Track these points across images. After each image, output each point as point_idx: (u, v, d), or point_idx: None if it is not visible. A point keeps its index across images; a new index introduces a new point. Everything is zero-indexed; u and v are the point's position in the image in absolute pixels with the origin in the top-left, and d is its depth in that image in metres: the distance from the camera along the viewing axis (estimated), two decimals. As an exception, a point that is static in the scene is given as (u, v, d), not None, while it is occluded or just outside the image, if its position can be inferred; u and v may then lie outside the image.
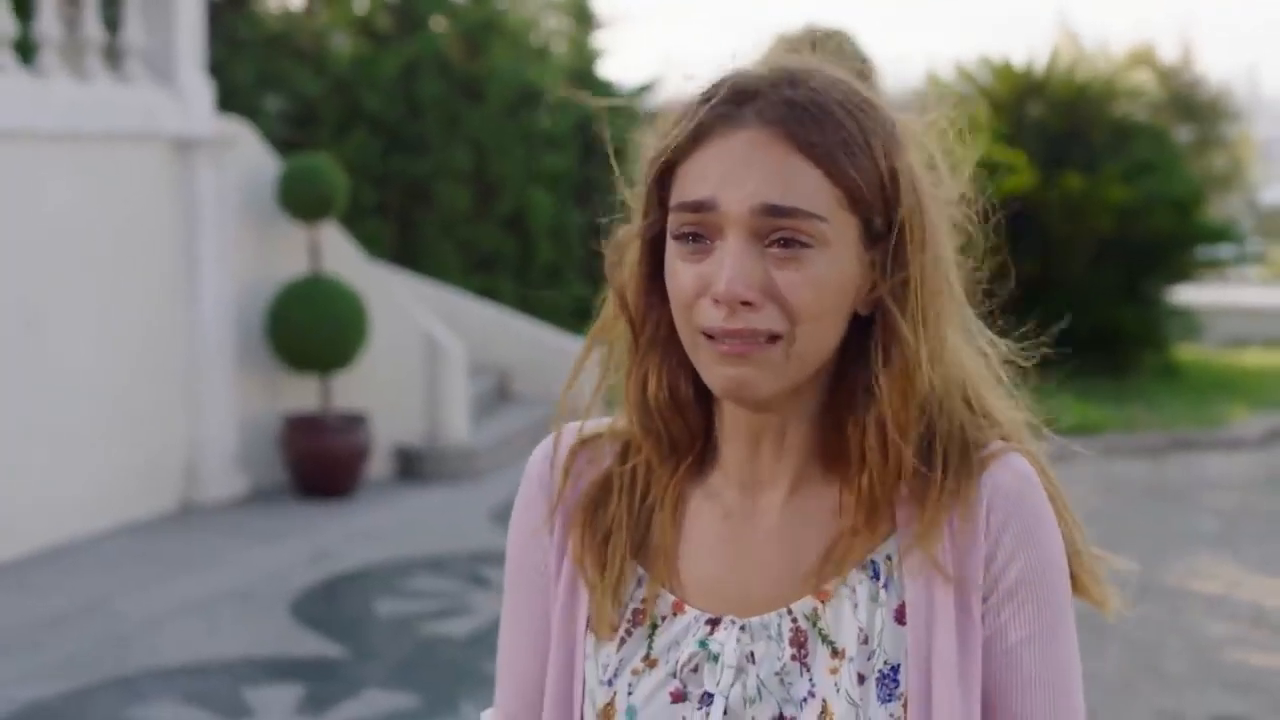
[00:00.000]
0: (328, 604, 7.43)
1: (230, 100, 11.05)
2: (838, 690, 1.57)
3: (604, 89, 16.45)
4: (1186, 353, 15.67)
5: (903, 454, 1.56)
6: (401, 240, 13.90)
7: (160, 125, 8.86)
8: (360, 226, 12.46)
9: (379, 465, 9.98)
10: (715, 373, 1.55)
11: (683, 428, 1.62)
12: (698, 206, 1.53)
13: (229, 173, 9.32)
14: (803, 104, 1.53)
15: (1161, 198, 14.33)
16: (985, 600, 1.58)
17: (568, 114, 15.28)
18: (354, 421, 9.56)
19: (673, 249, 1.56)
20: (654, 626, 1.64)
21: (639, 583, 1.66)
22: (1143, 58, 21.31)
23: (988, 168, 1.71)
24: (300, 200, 9.44)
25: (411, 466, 10.13)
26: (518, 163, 14.58)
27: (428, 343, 10.26)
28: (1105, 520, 1.82)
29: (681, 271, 1.55)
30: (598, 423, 1.72)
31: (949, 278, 1.60)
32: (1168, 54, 22.04)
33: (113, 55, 9.09)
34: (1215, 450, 11.96)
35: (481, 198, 14.42)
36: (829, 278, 1.52)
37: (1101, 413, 11.99)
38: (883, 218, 1.55)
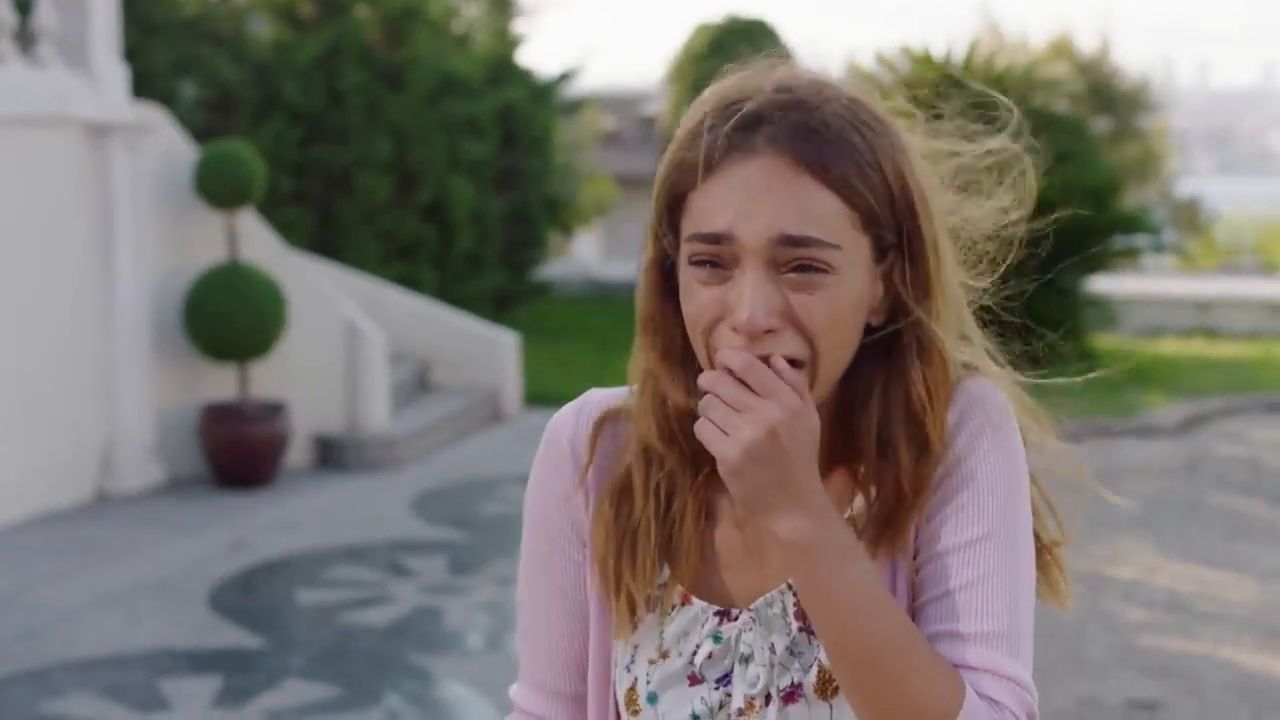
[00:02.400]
0: (246, 594, 7.37)
1: (145, 86, 10.93)
2: (819, 642, 1.62)
3: (524, 77, 16.40)
4: (1103, 342, 15.80)
5: (937, 444, 1.61)
6: (321, 229, 13.80)
7: (74, 110, 8.74)
8: (279, 215, 12.36)
9: (298, 454, 9.91)
10: None
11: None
12: (715, 238, 1.54)
13: (145, 159, 9.21)
14: (813, 127, 1.54)
15: (1078, 187, 14.43)
16: (928, 504, 1.62)
17: (488, 102, 15.22)
18: (273, 410, 9.48)
19: (688, 274, 1.58)
20: (664, 616, 1.68)
21: (659, 573, 1.70)
22: (1061, 49, 21.46)
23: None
24: (217, 188, 9.35)
25: (331, 456, 10.06)
26: (438, 151, 14.51)
27: (347, 331, 10.19)
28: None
29: (698, 295, 1.57)
30: (620, 394, 1.74)
31: (952, 277, 1.65)
32: (1086, 46, 22.21)
33: (25, 39, 8.97)
34: (1132, 438, 12.06)
35: (401, 186, 14.34)
36: (844, 299, 1.55)
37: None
38: (893, 232, 1.58)
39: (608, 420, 1.74)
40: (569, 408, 1.78)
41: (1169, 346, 17.10)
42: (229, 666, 6.34)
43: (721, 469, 1.51)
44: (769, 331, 1.53)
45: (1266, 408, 13.74)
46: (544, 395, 11.96)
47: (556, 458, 1.76)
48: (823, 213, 1.53)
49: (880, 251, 1.59)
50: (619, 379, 1.78)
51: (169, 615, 7.01)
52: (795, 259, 1.53)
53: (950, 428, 1.62)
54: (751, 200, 1.53)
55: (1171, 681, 6.37)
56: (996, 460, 1.62)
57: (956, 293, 1.65)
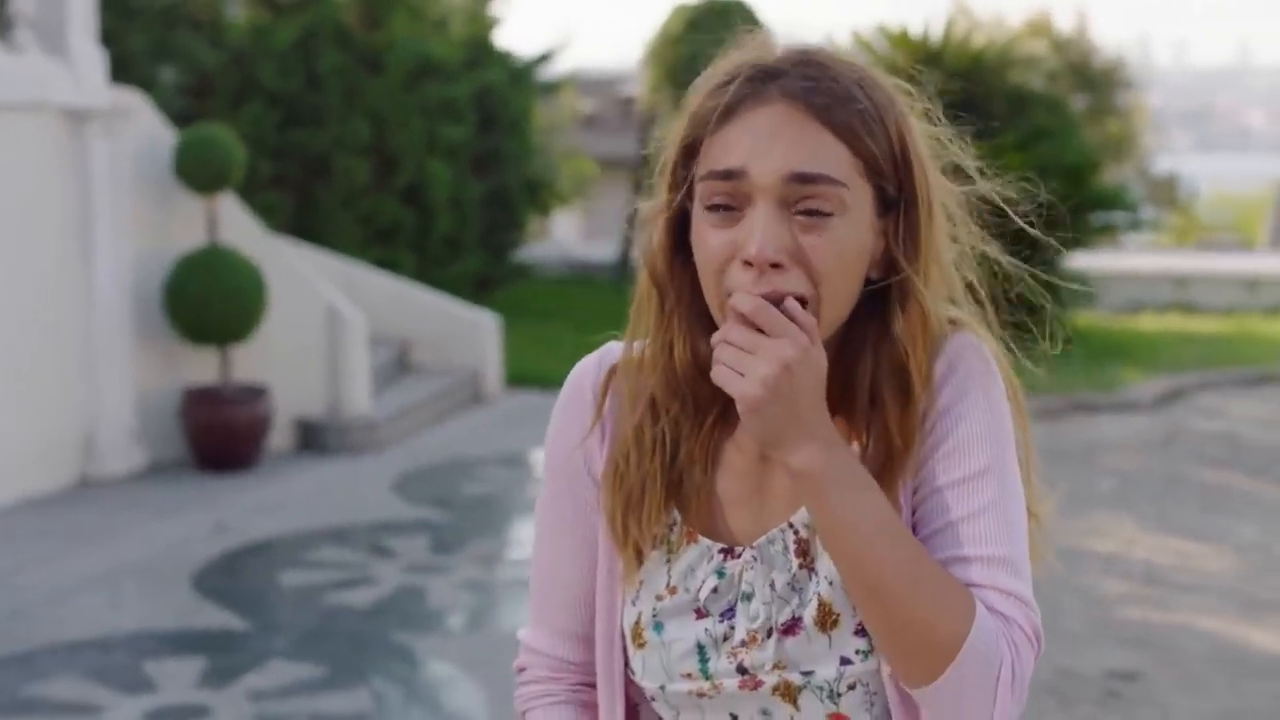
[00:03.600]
0: (229, 576, 7.39)
1: (123, 71, 10.91)
2: (821, 577, 1.70)
3: (502, 59, 16.38)
4: (1082, 318, 15.86)
5: (919, 393, 1.69)
6: (300, 213, 13.79)
7: (52, 96, 8.73)
8: (258, 199, 12.35)
9: (280, 437, 9.92)
10: None
11: (705, 388, 1.70)
12: (728, 175, 1.63)
13: (123, 144, 9.20)
14: (823, 81, 1.65)
15: (1056, 165, 14.47)
16: (922, 447, 1.70)
17: (466, 85, 15.21)
18: (254, 393, 9.49)
19: (701, 218, 1.67)
20: (671, 553, 1.76)
21: (668, 517, 1.77)
22: (1039, 27, 21.50)
23: None
24: (196, 171, 9.35)
25: (312, 438, 10.08)
26: (417, 134, 14.50)
27: (328, 314, 10.20)
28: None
29: (711, 237, 1.65)
30: (639, 347, 1.80)
31: (943, 240, 1.74)
32: (1064, 24, 22.26)
33: (2, 25, 8.95)
34: (1111, 413, 12.12)
35: (380, 170, 14.33)
36: (849, 242, 1.64)
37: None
38: (894, 186, 1.68)
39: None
40: (592, 356, 1.86)
41: (1147, 322, 17.17)
42: (213, 648, 6.37)
43: (741, 408, 1.59)
44: (776, 266, 1.61)
45: (1243, 382, 13.82)
46: (524, 376, 11.96)
47: (577, 403, 1.84)
48: (831, 156, 1.63)
49: (883, 205, 1.68)
50: None
51: (153, 598, 7.03)
52: (804, 197, 1.62)
53: (940, 376, 1.70)
54: (764, 141, 1.63)
55: (1150, 652, 6.42)
56: (985, 403, 1.70)
57: (946, 256, 1.74)
